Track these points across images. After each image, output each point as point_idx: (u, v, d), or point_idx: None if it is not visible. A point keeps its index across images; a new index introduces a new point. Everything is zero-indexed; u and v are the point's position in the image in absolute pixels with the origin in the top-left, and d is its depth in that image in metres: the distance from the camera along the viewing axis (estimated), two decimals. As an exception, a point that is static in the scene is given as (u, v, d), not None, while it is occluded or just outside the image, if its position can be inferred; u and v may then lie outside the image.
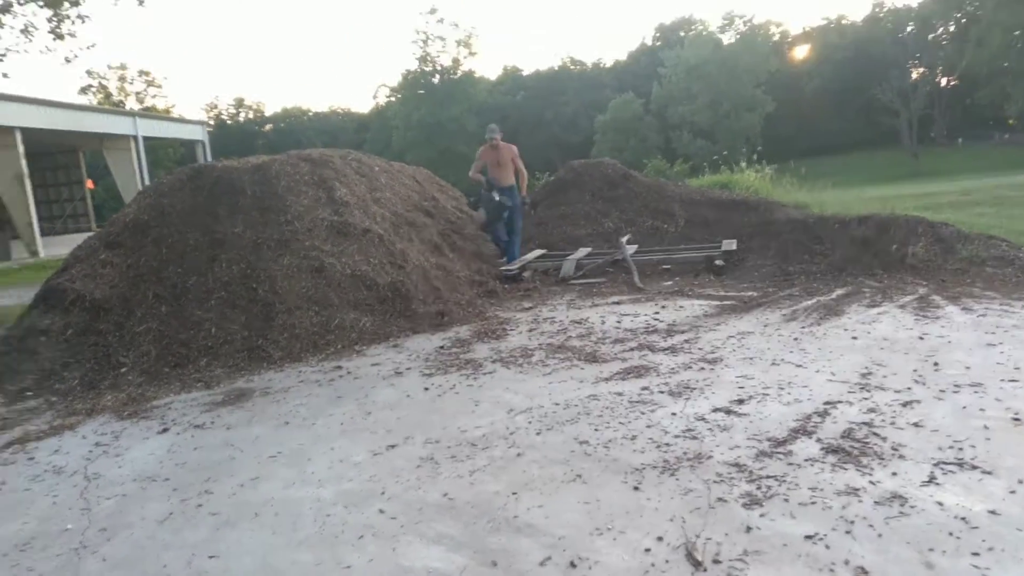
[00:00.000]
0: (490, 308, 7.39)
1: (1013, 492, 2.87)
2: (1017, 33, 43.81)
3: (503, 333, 6.32)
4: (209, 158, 25.06)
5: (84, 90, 53.33)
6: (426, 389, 4.90)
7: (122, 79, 54.47)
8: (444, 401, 4.63)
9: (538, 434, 3.92)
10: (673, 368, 4.90)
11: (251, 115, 68.76)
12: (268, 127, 67.84)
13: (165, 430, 4.59)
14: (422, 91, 58.52)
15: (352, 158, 9.63)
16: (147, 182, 21.04)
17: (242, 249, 7.08)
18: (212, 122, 61.48)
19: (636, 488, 3.20)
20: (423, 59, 59.62)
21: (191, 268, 6.88)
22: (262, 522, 3.21)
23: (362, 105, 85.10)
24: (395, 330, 6.49)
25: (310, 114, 69.89)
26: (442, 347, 5.97)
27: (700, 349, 5.30)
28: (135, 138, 23.13)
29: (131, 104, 51.98)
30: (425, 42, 59.64)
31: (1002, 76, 46.06)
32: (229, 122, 66.71)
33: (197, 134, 27.04)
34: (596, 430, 3.90)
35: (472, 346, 5.94)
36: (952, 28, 54.94)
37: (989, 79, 47.89)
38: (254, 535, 3.10)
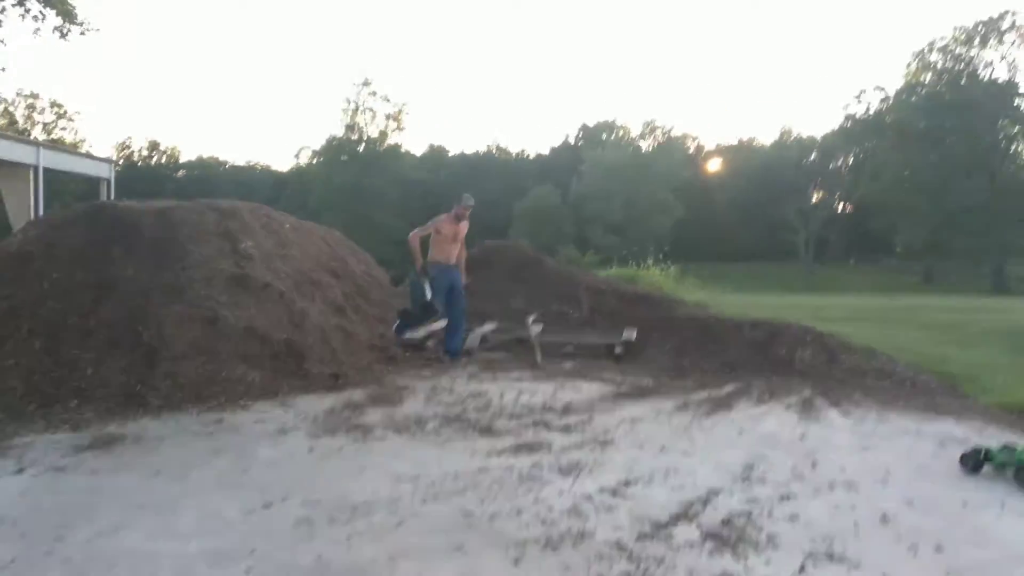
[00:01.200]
0: (388, 374, 7.25)
1: (877, 587, 2.96)
2: (906, 173, 47.95)
3: (399, 400, 6.19)
4: (113, 197, 24.10)
5: (-13, 113, 50.90)
6: (311, 450, 4.71)
7: (31, 107, 52.37)
8: (328, 463, 4.46)
9: (423, 503, 3.82)
10: (565, 447, 4.90)
11: (164, 159, 66.96)
12: (181, 173, 66.11)
13: (21, 471, 4.22)
14: (345, 157, 58.65)
15: (262, 213, 9.44)
16: (41, 214, 20.00)
17: (132, 292, 6.75)
18: (122, 162, 59.44)
19: (516, 563, 3.13)
20: (350, 127, 60.00)
21: (73, 306, 6.50)
22: (117, 574, 2.96)
23: (282, 163, 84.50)
24: (285, 388, 6.25)
25: (227, 165, 68.69)
26: (333, 409, 5.78)
27: (593, 430, 5.33)
28: (35, 168, 22.06)
29: (37, 134, 49.88)
30: (354, 112, 60.17)
31: (892, 209, 50.04)
32: (140, 164, 64.68)
33: (103, 171, 25.97)
34: (482, 502, 3.83)
35: (365, 410, 5.78)
36: (851, 161, 59.68)
37: (880, 210, 51.94)
38: (104, 589, 2.85)
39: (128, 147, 66.01)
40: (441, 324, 9.36)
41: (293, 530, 3.42)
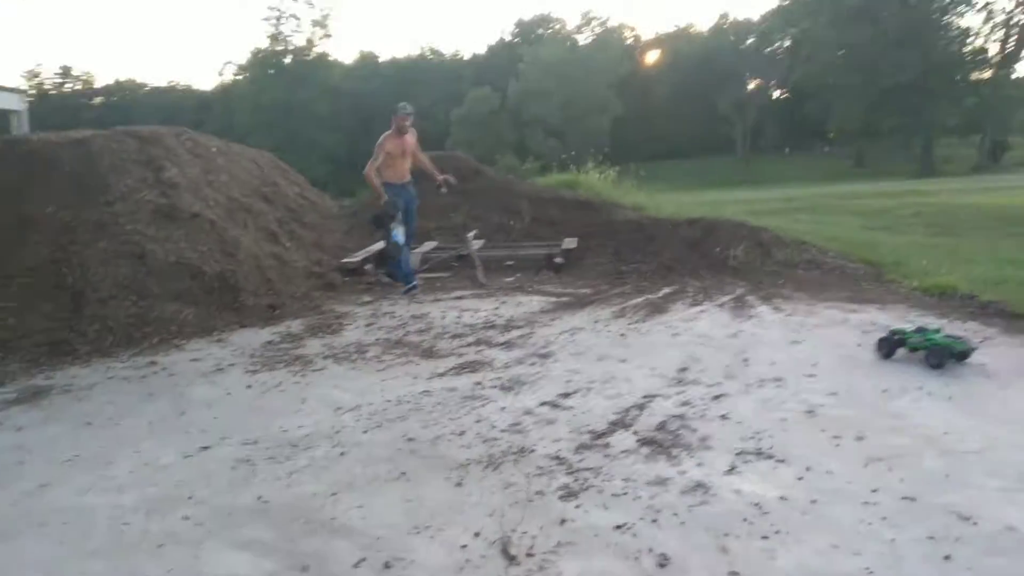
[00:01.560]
0: (327, 302, 7.17)
1: (800, 479, 3.11)
2: (841, 52, 47.99)
3: (338, 328, 6.15)
4: (26, 131, 22.79)
5: None
6: (248, 387, 4.67)
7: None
8: (267, 399, 4.43)
9: (365, 432, 3.84)
10: (507, 363, 4.95)
11: (79, 86, 63.25)
12: (98, 100, 62.70)
13: (-58, 432, 4.10)
14: (272, 71, 56.21)
15: (187, 137, 9.04)
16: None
17: (53, 231, 6.48)
18: (33, 92, 55.97)
19: (458, 484, 3.19)
20: (275, 38, 57.26)
21: (-12, 249, 6.21)
22: (48, 532, 2.93)
23: (205, 82, 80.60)
24: (220, 323, 6.15)
25: (146, 88, 65.26)
26: (271, 342, 5.72)
27: (534, 344, 5.39)
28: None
29: (-66, 65, 46.44)
30: (278, 20, 57.32)
31: (827, 91, 50.30)
32: (53, 92, 61.08)
33: (13, 103, 24.44)
34: (425, 427, 3.87)
35: (304, 341, 5.74)
36: (787, 43, 59.41)
37: (816, 93, 52.19)
38: (38, 546, 2.83)
39: (38, 75, 62.06)
40: (381, 246, 9.21)
41: (232, 472, 3.41)
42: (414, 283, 7.47)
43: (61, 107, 56.43)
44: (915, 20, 46.44)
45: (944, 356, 4.41)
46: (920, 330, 4.68)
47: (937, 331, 4.67)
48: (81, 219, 6.63)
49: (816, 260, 7.84)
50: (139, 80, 66.26)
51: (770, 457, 3.33)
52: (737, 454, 3.38)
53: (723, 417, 3.84)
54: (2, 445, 3.88)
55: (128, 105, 59.02)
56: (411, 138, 7.82)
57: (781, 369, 4.59)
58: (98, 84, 64.55)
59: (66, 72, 62.96)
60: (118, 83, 65.11)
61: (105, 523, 2.98)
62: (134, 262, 6.41)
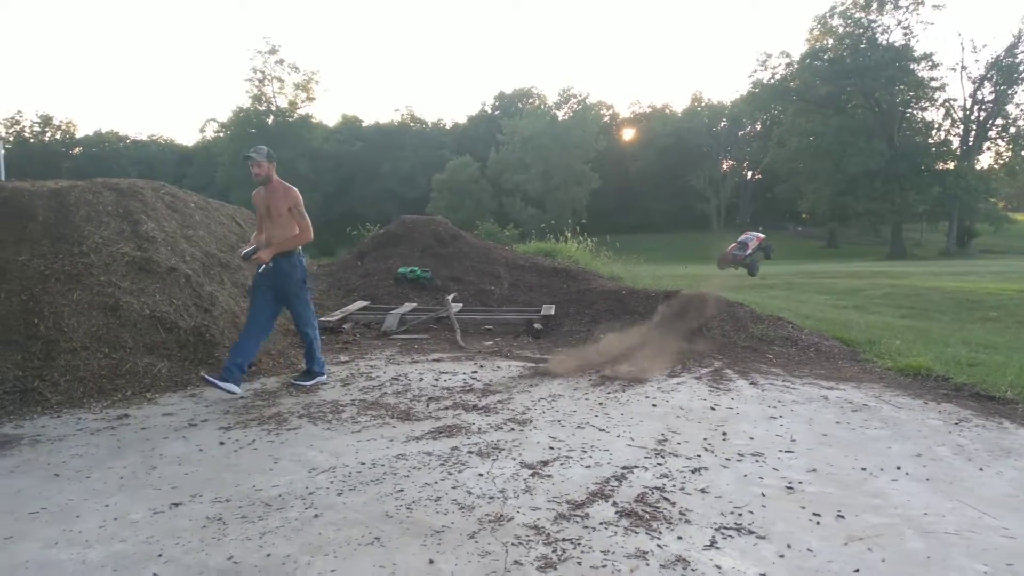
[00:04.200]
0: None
1: (782, 556, 3.09)
2: (811, 139, 49.74)
3: (314, 387, 6.07)
4: (3, 177, 22.65)
5: None
6: (221, 443, 4.57)
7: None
8: (240, 457, 4.34)
9: (339, 495, 3.76)
10: (484, 428, 4.91)
11: (59, 135, 63.22)
12: (77, 150, 62.67)
13: (-100, 481, 3.95)
14: (254, 130, 56.81)
15: (165, 191, 9.03)
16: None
17: (26, 280, 6.37)
18: (12, 139, 55.89)
19: (435, 552, 3.12)
20: (257, 98, 58.06)
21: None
22: (9, 590, 2.81)
23: (186, 137, 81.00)
24: (194, 378, 6.05)
25: (127, 141, 65.43)
26: (245, 399, 5.64)
27: (512, 410, 5.37)
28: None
29: (-87, 109, 46.36)
30: (261, 82, 58.21)
31: (797, 175, 51.93)
32: (32, 140, 60.95)
33: (-9, 149, 24.44)
34: (400, 491, 3.80)
35: (279, 399, 5.66)
36: (759, 127, 61.49)
37: (787, 176, 53.83)
38: (-4, 606, 2.70)
39: (18, 122, 62.03)
40: (360, 305, 9.19)
41: (203, 530, 3.31)
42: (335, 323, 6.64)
43: (40, 155, 56.38)
44: (880, 111, 48.49)
45: None
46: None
47: None
48: (55, 269, 6.55)
49: (792, 336, 7.96)
50: (121, 132, 66.48)
51: (751, 533, 3.32)
52: (717, 529, 3.35)
53: (703, 491, 3.82)
54: (-37, 496, 3.74)
55: (108, 156, 59.14)
56: (283, 197, 5.96)
57: (760, 444, 4.61)
58: (79, 134, 64.62)
59: (46, 120, 63.01)
60: (99, 134, 65.26)
61: (69, 580, 2.86)
62: (108, 314, 6.32)
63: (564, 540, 3.22)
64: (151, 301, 6.60)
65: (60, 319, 6.07)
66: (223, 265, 8.19)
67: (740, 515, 3.51)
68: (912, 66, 48.54)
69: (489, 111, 69.00)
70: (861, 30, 49.70)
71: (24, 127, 61.74)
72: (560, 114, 63.02)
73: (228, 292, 7.64)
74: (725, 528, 3.36)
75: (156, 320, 6.44)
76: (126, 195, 8.00)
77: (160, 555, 3.07)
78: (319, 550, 3.13)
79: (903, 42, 49.10)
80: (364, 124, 66.19)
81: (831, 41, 51.16)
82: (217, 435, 4.74)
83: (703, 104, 66.75)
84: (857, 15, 49.78)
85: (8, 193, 7.34)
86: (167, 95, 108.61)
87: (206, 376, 5.53)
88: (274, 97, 58.34)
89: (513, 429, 4.90)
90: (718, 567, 2.99)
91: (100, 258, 6.83)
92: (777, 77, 53.18)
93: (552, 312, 9.22)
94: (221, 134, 60.88)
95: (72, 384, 5.59)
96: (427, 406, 5.48)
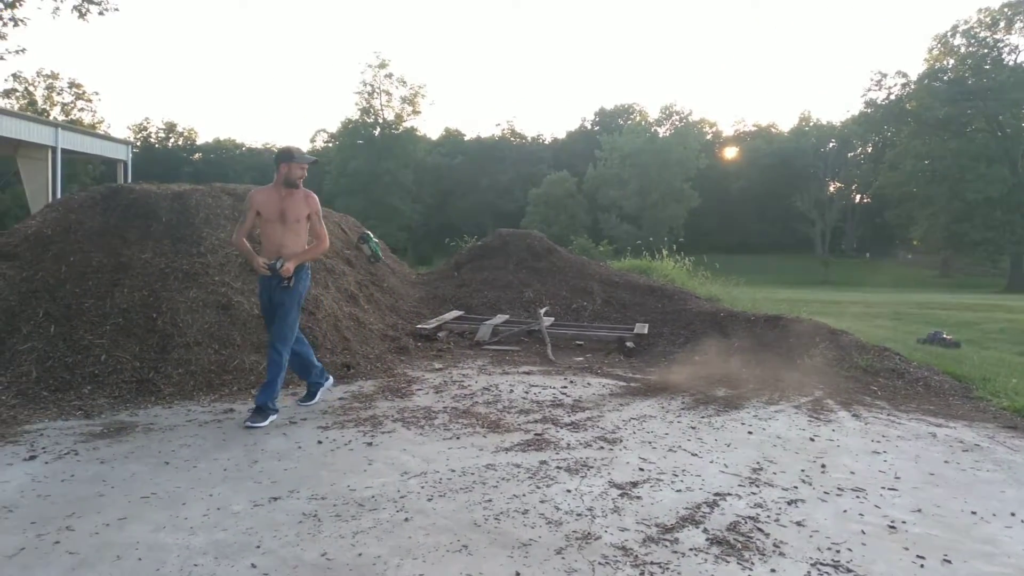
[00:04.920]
0: (399, 365, 7.27)
1: (882, 599, 2.94)
2: (927, 162, 47.33)
3: (409, 392, 6.21)
4: (130, 180, 24.24)
5: (7, 94, 51.34)
6: (319, 442, 4.74)
7: (50, 88, 52.75)
8: (336, 456, 4.48)
9: (429, 500, 3.82)
10: (573, 444, 4.89)
11: (181, 142, 67.29)
12: (197, 156, 66.49)
13: (32, 457, 4.27)
14: (361, 141, 58.75)
15: (278, 198, 9.48)
16: (59, 195, 20.12)
17: (148, 276, 6.80)
18: (139, 143, 59.89)
19: (521, 564, 3.13)
20: (366, 110, 60.03)
21: (90, 290, 6.55)
22: (123, 566, 2.98)
23: (297, 146, 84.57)
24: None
25: (243, 148, 68.94)
26: (343, 400, 5.82)
27: (602, 428, 5.32)
28: (53, 149, 22.22)
29: (56, 115, 50.29)
30: (370, 95, 60.17)
31: (909, 200, 49.46)
32: (157, 146, 65.16)
33: (121, 153, 26.16)
34: (489, 501, 3.83)
35: (375, 402, 5.81)
36: (870, 149, 58.98)
37: (898, 201, 51.34)
38: (111, 581, 2.88)
39: (145, 129, 66.54)
40: (455, 315, 9.33)
41: (299, 525, 3.44)
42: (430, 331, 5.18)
43: (164, 160, 60.06)
44: (1004, 136, 45.69)
45: None
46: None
47: None
48: (174, 267, 6.96)
49: (899, 369, 7.57)
50: (237, 140, 70.11)
51: (849, 571, 3.17)
52: (813, 564, 3.22)
53: (799, 523, 3.68)
54: (87, 476, 4.01)
55: (225, 162, 62.45)
56: (303, 202, 5.40)
57: (861, 479, 4.40)
58: (199, 140, 68.60)
59: (171, 127, 67.19)
60: (217, 141, 69.10)
61: (176, 562, 3.02)
62: (220, 312, 6.66)
63: (652, 563, 3.17)
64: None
65: (176, 315, 6.44)
66: (328, 270, 8.50)
67: (838, 551, 3.36)
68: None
69: (589, 127, 69.00)
70: (986, 50, 46.99)
71: (150, 133, 66.15)
72: (661, 131, 62.36)
73: (332, 296, 7.92)
74: (822, 564, 3.22)
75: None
76: (241, 199, 8.42)
77: (258, 546, 3.21)
78: (408, 553, 3.19)
79: (1033, 63, 46.15)
80: (466, 138, 67.51)
81: (952, 61, 48.59)
82: (315, 434, 4.91)
83: (811, 123, 64.64)
84: (982, 34, 47.12)
85: (137, 195, 7.86)
86: (281, 106, 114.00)
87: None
88: (381, 109, 60.24)
89: (602, 447, 4.86)
90: (813, 605, 2.87)
91: (216, 259, 7.21)
92: (892, 97, 50.87)
93: (645, 331, 9.10)
94: (330, 144, 63.35)
95: (184, 377, 5.91)
96: (517, 418, 5.51)
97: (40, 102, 51.87)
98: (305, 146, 63.96)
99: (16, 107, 47.34)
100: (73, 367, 5.81)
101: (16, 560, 3.02)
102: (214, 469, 4.17)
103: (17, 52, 21.14)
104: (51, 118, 41.66)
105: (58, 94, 53.07)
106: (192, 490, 3.84)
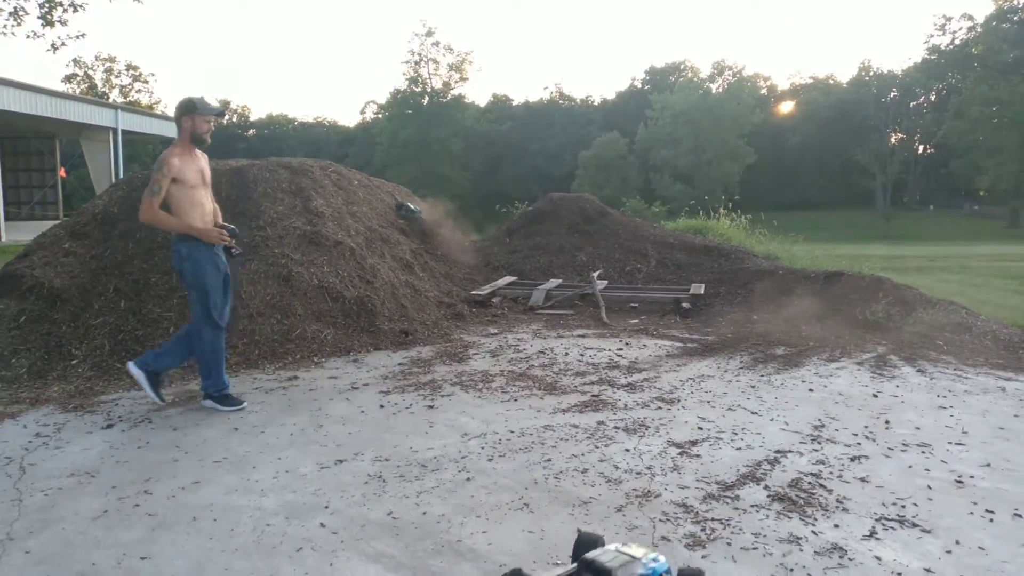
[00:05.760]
0: (455, 331, 7.36)
1: (949, 552, 2.90)
2: (994, 108, 45.18)
3: (466, 357, 6.29)
4: (189, 157, 24.77)
5: (68, 79, 52.92)
6: (381, 406, 4.85)
7: (109, 71, 54.16)
8: (398, 420, 4.59)
9: (490, 460, 3.90)
10: (630, 405, 4.91)
11: (235, 118, 68.46)
12: (251, 132, 67.58)
13: (110, 426, 4.48)
14: (410, 111, 58.84)
15: (332, 170, 9.61)
16: (122, 175, 20.79)
17: (211, 250, 6.99)
18: (196, 122, 61.18)
19: (582, 521, 3.18)
20: (414, 80, 60.01)
21: (156, 265, 6.78)
22: (199, 527, 3.13)
23: (348, 119, 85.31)
24: (357, 345, 6.43)
25: (295, 123, 69.81)
26: (402, 365, 5.93)
27: (659, 388, 5.32)
28: (115, 131, 22.89)
29: (115, 97, 51.67)
30: (418, 63, 60.11)
31: (976, 149, 47.40)
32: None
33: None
34: (549, 460, 3.88)
35: (433, 367, 5.91)
36: (933, 98, 56.54)
37: (964, 150, 49.25)
38: (190, 539, 3.03)
39: (201, 106, 67.89)
40: (508, 280, 9.39)
41: (365, 486, 3.54)
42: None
43: (219, 136, 60.95)
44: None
45: None
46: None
47: None
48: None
49: (965, 323, 7.35)
50: (289, 115, 70.98)
51: (915, 526, 3.13)
52: (877, 519, 3.19)
53: (862, 480, 3.64)
54: (161, 443, 4.19)
55: (279, 137, 63.35)
56: (204, 158, 5.01)
57: (927, 435, 4.32)
58: (253, 117, 69.68)
59: (225, 105, 68.31)
60: (270, 117, 70.07)
61: (249, 523, 3.16)
62: (281, 283, 6.82)
63: (713, 520, 3.18)
64: (319, 272, 7.06)
65: (239, 287, 6.62)
66: (384, 240, 8.62)
67: (903, 507, 3.32)
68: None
69: (639, 86, 67.68)
70: (1059, -14, 44.33)
71: (206, 111, 67.42)
72: (714, 87, 60.79)
73: (388, 265, 8.04)
74: (886, 519, 3.19)
75: (323, 290, 6.88)
76: (297, 173, 8.58)
77: (326, 507, 3.32)
78: (471, 511, 3.27)
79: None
80: (514, 103, 66.97)
81: (1023, 1, 45.92)
82: (377, 398, 5.03)
83: (871, 73, 62.12)
84: (1056, -30, 44.40)
85: (196, 171, 8.05)
86: (332, 79, 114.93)
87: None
88: (429, 78, 60.15)
89: (660, 407, 4.86)
90: (878, 558, 2.85)
91: (275, 231, 7.37)
92: (957, 42, 48.43)
93: (701, 291, 9.00)
94: (380, 115, 63.62)
95: (248, 347, 6.10)
96: (573, 380, 5.54)
97: (99, 85, 53.33)
98: (355, 118, 64.41)
99: (78, 91, 48.80)
100: (143, 340, 6.03)
101: (99, 522, 3.19)
102: (281, 434, 4.32)
103: (77, 38, 21.69)
104: (111, 100, 42.85)
105: (116, 77, 54.49)
106: (261, 454, 3.99)
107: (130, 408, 4.84)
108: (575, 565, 1.99)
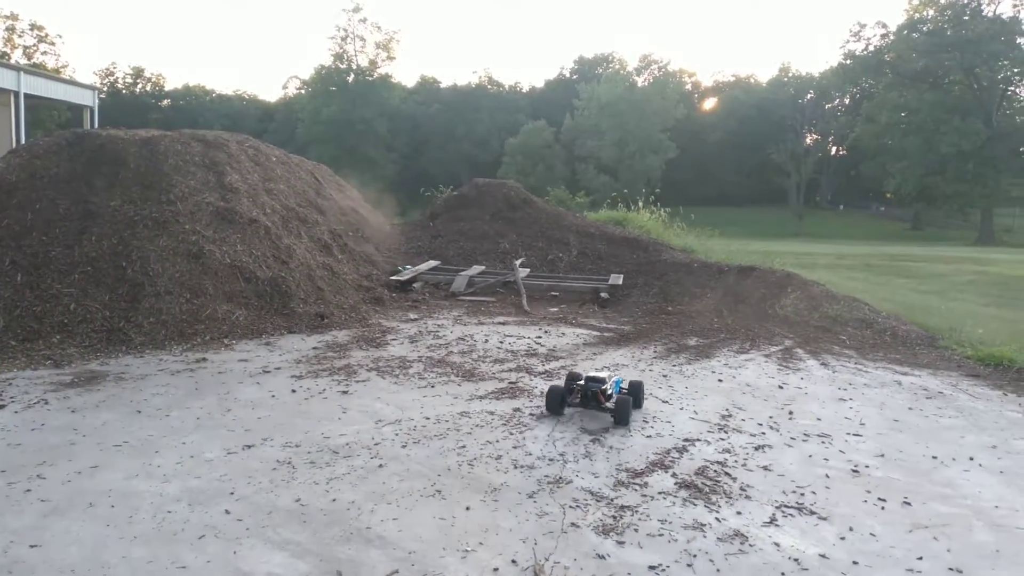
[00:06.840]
0: (374, 315, 7.26)
1: (843, 538, 3.04)
2: (903, 115, 47.36)
3: (383, 342, 6.21)
4: (96, 126, 23.62)
5: (-36, 35, 49.42)
6: (293, 391, 4.74)
7: (10, 30, 50.79)
8: (310, 405, 4.49)
9: (404, 447, 3.86)
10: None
11: (149, 87, 65.43)
12: (166, 102, 64.71)
13: (2, 407, 4.24)
14: (334, 88, 57.47)
15: (249, 145, 9.31)
16: (23, 142, 19.61)
17: (116, 224, 6.69)
18: (105, 89, 58.18)
19: (493, 508, 3.19)
20: (339, 56, 58.64)
21: (57, 238, 6.44)
22: (96, 513, 2.99)
23: (269, 94, 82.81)
24: (270, 327, 6.27)
25: (213, 95, 67.19)
26: (317, 350, 5.81)
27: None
28: (16, 94, 21.54)
29: (18, 58, 48.57)
30: (344, 40, 58.74)
31: (884, 153, 49.65)
32: (124, 92, 63.27)
33: (87, 99, 25.44)
34: (463, 447, 3.88)
35: (349, 352, 5.81)
36: (847, 101, 58.87)
37: (873, 154, 51.53)
38: (85, 526, 2.89)
39: (112, 74, 64.49)
40: (430, 265, 9.31)
41: (273, 472, 3.46)
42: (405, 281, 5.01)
43: (131, 106, 58.40)
44: (980, 89, 45.77)
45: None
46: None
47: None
48: (143, 215, 6.84)
49: (867, 319, 7.70)
50: (207, 86, 68.26)
51: (812, 513, 3.27)
52: (778, 507, 3.31)
53: (765, 468, 3.78)
54: (57, 425, 3.99)
55: (195, 109, 60.88)
56: None
57: (827, 425, 4.51)
58: (168, 87, 66.69)
59: (138, 73, 65.18)
60: (187, 87, 67.21)
61: (149, 509, 3.03)
62: (191, 261, 6.58)
63: (622, 506, 3.24)
64: (232, 251, 6.84)
65: (146, 264, 6.36)
66: (301, 220, 8.41)
67: (802, 495, 3.45)
68: (1020, 40, 45.42)
69: (568, 75, 68.05)
70: (966, 1, 46.72)
71: (117, 78, 64.06)
72: (640, 80, 61.63)
73: (305, 246, 7.85)
74: (786, 506, 3.32)
75: (236, 269, 6.67)
76: (212, 146, 8.27)
77: (232, 493, 3.23)
78: (382, 498, 3.23)
79: (1012, 14, 45.99)
80: (442, 86, 66.25)
81: (931, 12, 48.25)
82: (289, 383, 4.91)
83: (790, 75, 64.25)
84: (963, -16, 46.74)
85: (103, 140, 7.68)
86: (254, 52, 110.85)
87: None
88: (355, 56, 58.84)
89: (576, 395, 4.91)
90: (776, 544, 2.96)
91: (186, 206, 7.10)
92: (871, 48, 50.54)
93: (620, 282, 9.15)
94: (302, 91, 61.86)
95: (155, 327, 5.86)
96: (491, 367, 5.55)
97: (0, 45, 50.04)
98: (277, 93, 62.47)
99: (-26, 50, 45.70)
100: (41, 316, 5.73)
101: (-13, 508, 3.01)
102: (187, 417, 4.17)
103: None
104: (12, 61, 40.32)
105: (19, 36, 51.17)
106: (164, 438, 3.84)
107: (24, 388, 4.58)
108: (584, 380, 4.44)
